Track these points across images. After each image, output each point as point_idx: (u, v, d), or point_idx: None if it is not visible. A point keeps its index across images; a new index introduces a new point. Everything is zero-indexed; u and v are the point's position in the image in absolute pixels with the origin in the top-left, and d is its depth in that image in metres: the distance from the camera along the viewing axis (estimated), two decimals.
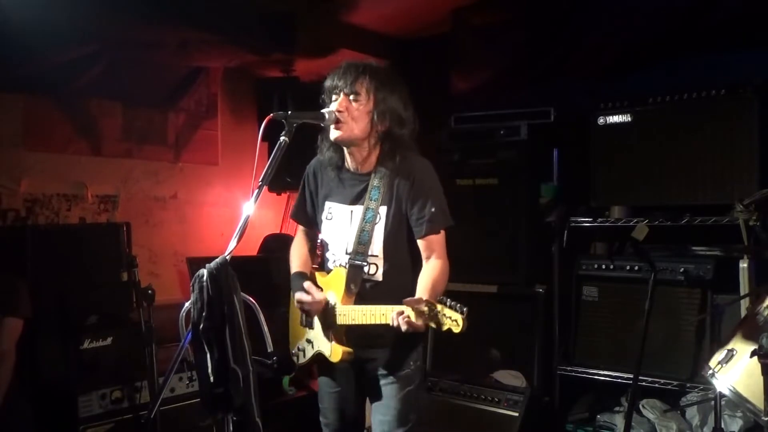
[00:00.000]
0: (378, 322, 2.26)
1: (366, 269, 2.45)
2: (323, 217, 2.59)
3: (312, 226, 2.71)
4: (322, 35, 4.30)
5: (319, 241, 2.70)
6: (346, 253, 2.48)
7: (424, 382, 2.66)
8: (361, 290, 2.45)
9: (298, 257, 2.72)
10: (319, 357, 2.54)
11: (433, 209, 2.41)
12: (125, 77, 4.14)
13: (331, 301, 2.48)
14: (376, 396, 2.54)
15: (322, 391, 2.67)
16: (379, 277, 2.46)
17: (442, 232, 2.46)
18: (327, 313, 2.48)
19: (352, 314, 2.38)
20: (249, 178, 2.17)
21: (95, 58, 3.85)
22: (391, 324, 2.20)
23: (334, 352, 2.44)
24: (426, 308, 2.09)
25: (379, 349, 2.49)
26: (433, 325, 2.09)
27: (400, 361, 2.50)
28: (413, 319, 2.12)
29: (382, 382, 2.50)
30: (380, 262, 2.45)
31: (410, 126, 2.50)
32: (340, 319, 2.42)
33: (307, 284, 2.52)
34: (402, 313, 2.16)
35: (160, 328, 3.34)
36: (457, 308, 2.04)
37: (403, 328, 2.16)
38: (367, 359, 2.52)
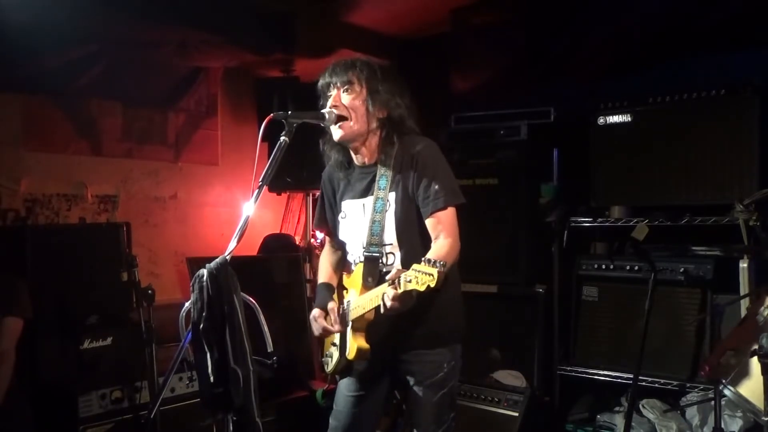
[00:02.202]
0: (380, 302, 2.17)
1: (383, 259, 2.39)
2: (339, 217, 2.55)
3: (337, 233, 2.63)
4: (322, 35, 4.31)
5: None
6: (363, 247, 2.42)
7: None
8: (382, 282, 2.30)
9: (324, 267, 2.68)
10: (344, 361, 2.45)
11: (436, 186, 2.32)
12: (125, 77, 4.14)
13: (351, 299, 2.42)
14: (410, 400, 2.48)
15: (340, 393, 2.58)
16: (398, 265, 2.37)
17: (451, 210, 2.34)
18: (345, 312, 2.43)
19: (363, 303, 2.30)
20: (249, 178, 2.17)
21: (95, 58, 3.85)
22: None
23: (351, 348, 2.36)
24: (407, 274, 2.01)
25: (410, 352, 2.42)
26: (416, 286, 1.97)
27: (432, 365, 2.41)
28: (396, 289, 2.04)
29: (415, 388, 2.43)
30: (396, 250, 2.39)
31: (409, 110, 2.45)
32: (355, 312, 2.34)
33: (331, 306, 2.45)
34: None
35: (160, 328, 3.34)
36: (436, 264, 1.94)
37: (388, 304, 2.07)
38: (398, 362, 2.45)
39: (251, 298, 2.88)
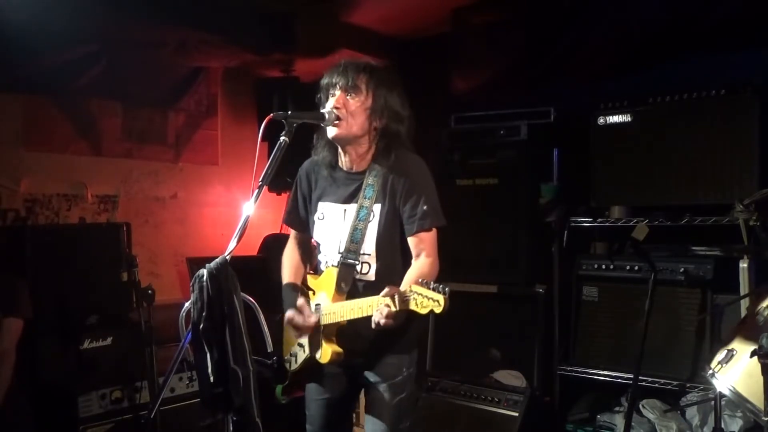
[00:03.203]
0: (366, 314, 2.21)
1: (358, 268, 2.42)
2: (315, 217, 2.56)
3: (306, 230, 2.66)
4: (322, 35, 4.30)
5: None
6: (338, 253, 2.44)
7: (418, 390, 2.60)
8: (354, 291, 2.40)
9: (289, 266, 2.66)
10: (310, 362, 2.50)
11: (425, 207, 2.38)
12: (125, 77, 4.14)
13: (322, 303, 2.44)
14: (369, 403, 2.51)
15: (309, 398, 2.63)
16: (372, 276, 2.42)
17: (434, 231, 2.42)
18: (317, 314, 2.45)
19: (340, 311, 2.33)
20: (249, 178, 2.17)
21: (95, 58, 3.85)
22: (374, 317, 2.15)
23: (324, 353, 2.40)
24: (405, 293, 2.06)
25: (371, 355, 2.46)
26: (414, 308, 2.03)
27: (392, 367, 2.47)
28: (391, 306, 2.08)
29: (374, 389, 2.47)
30: (373, 261, 2.42)
31: (407, 124, 2.48)
32: (328, 318, 2.38)
33: (300, 302, 2.46)
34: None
35: (160, 328, 3.34)
36: (439, 289, 1.98)
37: (382, 321, 2.11)
38: (360, 365, 2.49)
39: (251, 298, 2.87)
